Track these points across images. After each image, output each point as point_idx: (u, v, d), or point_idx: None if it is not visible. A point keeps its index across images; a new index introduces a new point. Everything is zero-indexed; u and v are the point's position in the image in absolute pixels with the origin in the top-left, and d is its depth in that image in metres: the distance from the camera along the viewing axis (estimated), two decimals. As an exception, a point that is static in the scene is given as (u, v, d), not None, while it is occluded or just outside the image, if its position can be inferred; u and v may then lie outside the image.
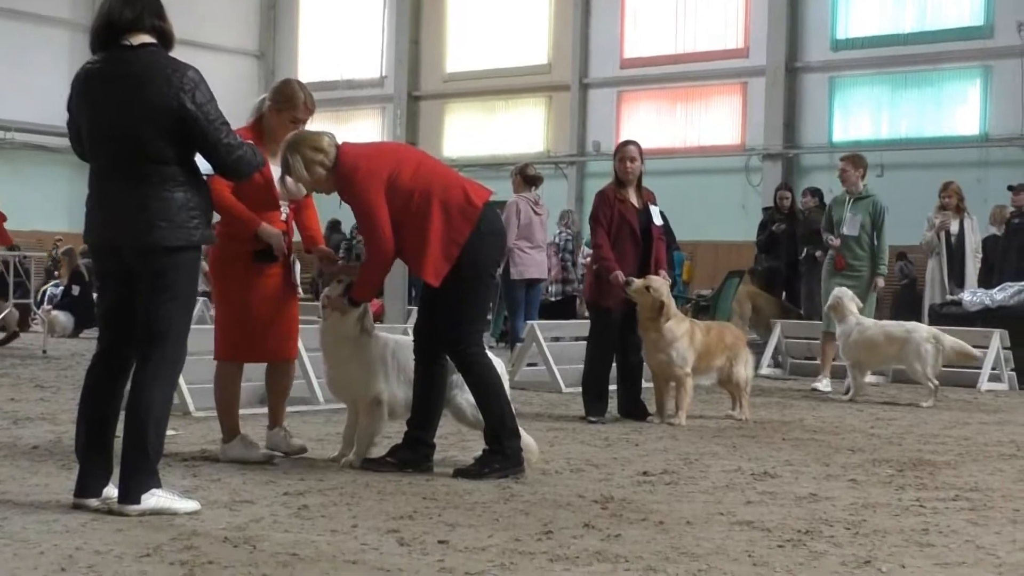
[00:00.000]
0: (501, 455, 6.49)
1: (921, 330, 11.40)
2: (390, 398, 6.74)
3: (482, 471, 6.44)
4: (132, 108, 5.26)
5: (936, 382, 11.16)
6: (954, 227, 14.58)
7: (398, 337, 7.04)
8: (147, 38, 5.36)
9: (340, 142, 6.56)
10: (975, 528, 5.45)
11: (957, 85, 23.95)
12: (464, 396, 6.76)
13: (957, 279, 14.51)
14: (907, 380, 13.23)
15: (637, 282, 9.12)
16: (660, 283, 9.17)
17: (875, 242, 12.11)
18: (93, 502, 5.33)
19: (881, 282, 12.25)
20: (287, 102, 6.83)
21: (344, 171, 6.43)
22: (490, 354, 6.73)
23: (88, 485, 5.36)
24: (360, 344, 6.72)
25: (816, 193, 16.61)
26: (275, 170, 6.66)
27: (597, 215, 9.50)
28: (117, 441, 5.38)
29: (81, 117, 5.43)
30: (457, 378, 6.72)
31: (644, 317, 9.17)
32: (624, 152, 9.57)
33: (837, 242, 12.17)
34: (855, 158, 12.48)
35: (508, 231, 12.57)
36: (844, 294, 11.47)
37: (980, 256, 14.92)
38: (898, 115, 24.52)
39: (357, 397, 6.78)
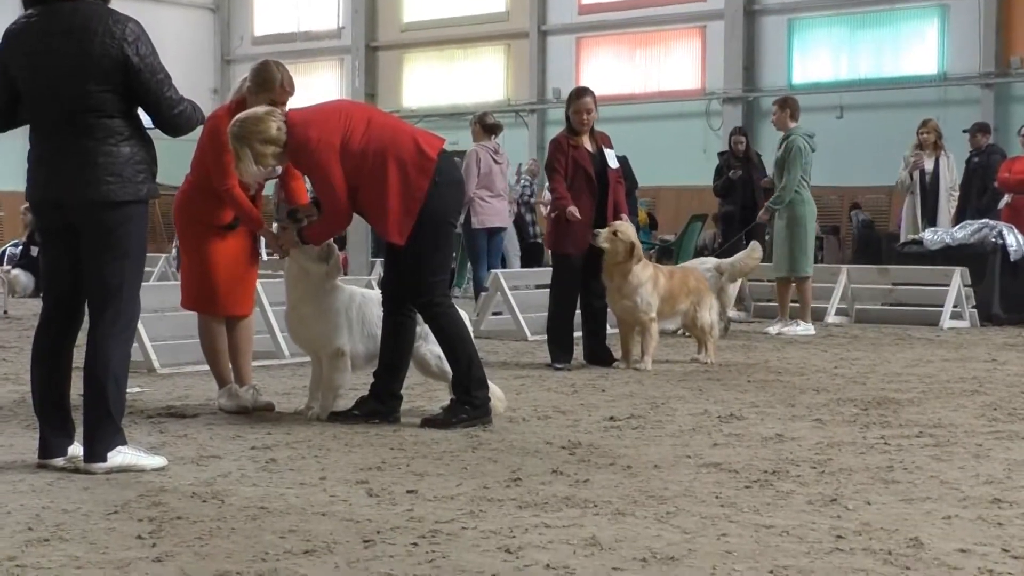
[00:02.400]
0: (469, 404, 6.50)
1: (707, 263, 11.65)
2: (351, 350, 6.72)
3: (450, 421, 6.44)
4: (75, 61, 5.15)
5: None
6: (929, 165, 14.64)
7: (364, 291, 7.01)
8: None
9: (286, 112, 6.50)
10: (939, 463, 5.50)
11: (915, 24, 23.99)
12: (429, 347, 6.76)
13: (930, 217, 14.59)
14: (868, 320, 13.36)
15: (603, 231, 9.10)
16: (626, 226, 9.19)
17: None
18: (59, 461, 5.29)
19: (764, 215, 12.52)
20: (265, 84, 6.82)
21: (297, 142, 6.36)
22: (455, 304, 6.72)
23: (51, 445, 5.32)
24: (323, 296, 6.69)
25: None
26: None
27: (552, 163, 9.48)
28: (79, 399, 5.35)
29: (18, 73, 5.28)
30: (423, 329, 6.71)
31: (613, 263, 9.16)
32: (581, 104, 9.48)
33: (766, 182, 12.82)
34: (782, 100, 12.65)
35: (468, 181, 12.51)
36: None
37: (956, 194, 14.96)
38: (857, 56, 24.55)
39: (319, 349, 6.77)
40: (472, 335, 6.74)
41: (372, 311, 6.75)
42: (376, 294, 6.90)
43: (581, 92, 9.65)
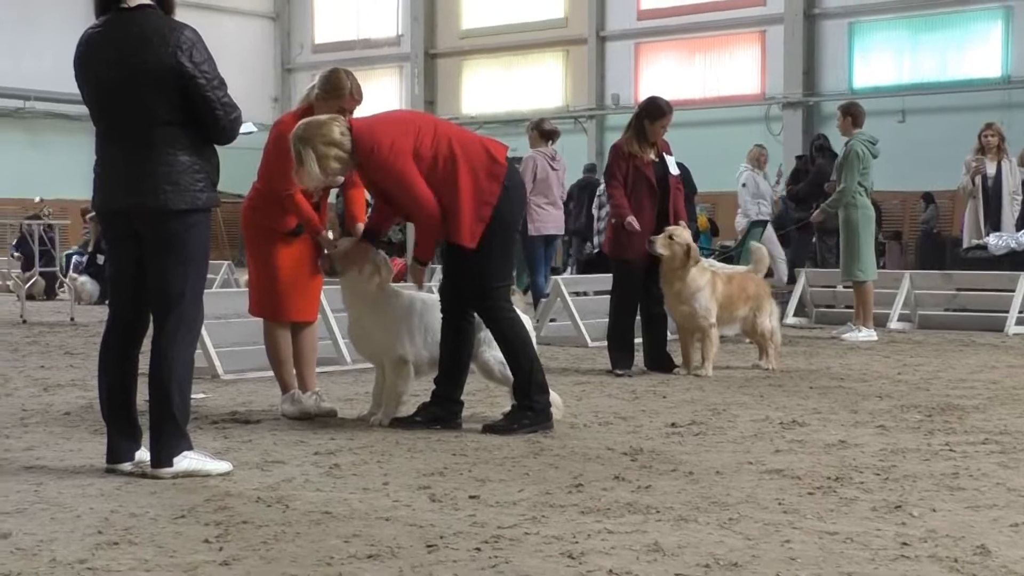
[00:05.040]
0: (530, 410, 6.51)
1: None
2: (415, 357, 6.75)
3: (511, 426, 6.46)
4: (131, 70, 5.21)
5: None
6: (991, 169, 14.48)
7: (426, 296, 7.04)
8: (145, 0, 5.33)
9: (349, 120, 6.48)
10: (1005, 471, 5.45)
11: (978, 26, 23.73)
12: (491, 352, 6.78)
13: (994, 222, 14.44)
14: (931, 326, 13.24)
15: (659, 238, 9.10)
16: (680, 230, 9.17)
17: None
18: (126, 466, 5.36)
19: (819, 216, 13.05)
20: (334, 91, 6.86)
21: (367, 149, 6.32)
22: (517, 310, 6.73)
23: (118, 450, 5.40)
24: (383, 304, 6.72)
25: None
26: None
27: (612, 169, 9.46)
28: (145, 405, 5.42)
29: (84, 84, 5.39)
30: (484, 335, 6.73)
31: (671, 268, 9.14)
32: (666, 121, 9.40)
33: (829, 186, 13.19)
34: (844, 106, 12.61)
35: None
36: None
37: (1020, 199, 14.78)
38: (919, 59, 24.33)
39: (382, 357, 6.81)
40: (534, 340, 6.76)
41: (435, 316, 6.77)
42: (438, 299, 6.92)
43: (667, 109, 9.44)
